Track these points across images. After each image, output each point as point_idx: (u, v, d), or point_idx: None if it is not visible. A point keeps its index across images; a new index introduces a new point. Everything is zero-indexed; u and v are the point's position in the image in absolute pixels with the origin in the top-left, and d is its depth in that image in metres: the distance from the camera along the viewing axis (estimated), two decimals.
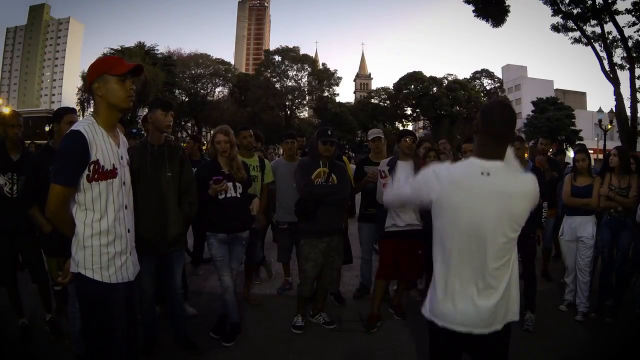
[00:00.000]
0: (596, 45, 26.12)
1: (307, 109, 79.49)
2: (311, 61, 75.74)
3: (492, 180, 2.59)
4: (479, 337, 2.58)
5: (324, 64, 76.98)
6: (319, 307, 5.77)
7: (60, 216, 2.83)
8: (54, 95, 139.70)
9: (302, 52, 75.53)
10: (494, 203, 2.58)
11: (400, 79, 74.45)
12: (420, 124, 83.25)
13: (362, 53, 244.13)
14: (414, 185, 2.72)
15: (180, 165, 4.82)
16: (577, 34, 27.25)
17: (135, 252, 3.24)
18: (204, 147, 15.22)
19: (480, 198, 2.57)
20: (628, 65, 25.11)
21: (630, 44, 24.86)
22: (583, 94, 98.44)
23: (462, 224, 2.58)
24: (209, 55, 74.63)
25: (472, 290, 2.60)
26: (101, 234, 2.87)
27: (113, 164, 2.91)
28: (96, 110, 2.99)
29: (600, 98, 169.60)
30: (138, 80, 54.25)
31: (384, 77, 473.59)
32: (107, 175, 2.87)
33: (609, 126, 30.61)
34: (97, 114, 2.97)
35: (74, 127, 2.84)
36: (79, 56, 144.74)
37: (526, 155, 6.62)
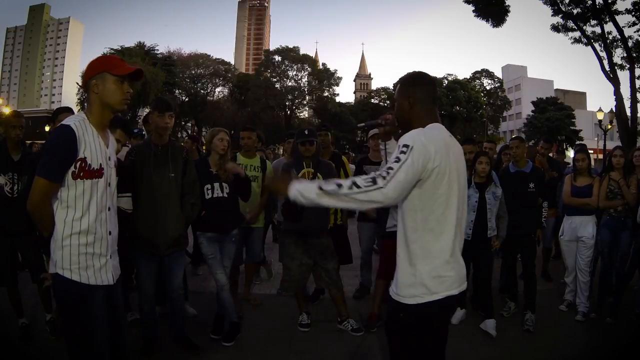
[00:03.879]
0: (596, 45, 26.11)
1: (307, 109, 79.40)
2: (311, 61, 75.65)
3: (454, 142, 2.78)
4: (454, 298, 2.71)
5: (324, 64, 76.88)
6: (344, 314, 5.71)
7: (40, 210, 2.77)
8: (54, 95, 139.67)
9: (302, 52, 75.31)
10: (462, 164, 2.80)
11: (400, 79, 74.16)
12: None
13: (362, 53, 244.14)
14: (407, 165, 2.45)
15: (183, 166, 4.80)
16: (577, 34, 27.24)
17: (117, 255, 3.13)
18: (203, 147, 15.25)
19: (459, 158, 2.76)
20: (628, 65, 25.10)
21: (630, 44, 24.83)
22: (583, 94, 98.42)
23: (457, 186, 2.65)
24: (209, 55, 74.64)
25: (459, 249, 2.76)
26: (80, 234, 2.82)
27: (100, 164, 2.87)
28: (89, 108, 2.95)
29: (600, 98, 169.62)
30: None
31: (384, 77, 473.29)
32: (93, 174, 2.82)
33: (609, 126, 30.62)
34: (89, 112, 2.93)
35: (64, 122, 2.81)
36: (79, 56, 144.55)
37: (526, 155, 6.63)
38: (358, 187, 2.37)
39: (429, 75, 2.88)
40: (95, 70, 2.91)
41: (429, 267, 2.59)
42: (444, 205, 2.59)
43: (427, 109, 2.78)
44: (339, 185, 2.40)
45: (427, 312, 2.61)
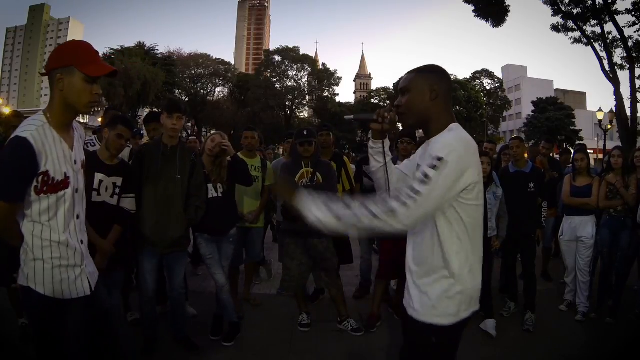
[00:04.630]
0: (596, 45, 26.11)
1: (307, 109, 79.45)
2: (311, 61, 75.75)
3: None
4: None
5: (324, 64, 77.01)
6: (344, 314, 5.72)
7: (4, 230, 2.52)
8: None
9: (302, 52, 75.51)
10: None
11: (400, 78, 73.95)
12: None
13: (362, 53, 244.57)
14: (435, 189, 2.12)
15: (191, 168, 4.79)
16: (577, 34, 27.26)
17: (92, 261, 2.90)
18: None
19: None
20: (628, 65, 25.10)
21: (630, 44, 24.85)
22: (583, 94, 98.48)
23: (481, 193, 2.35)
24: (209, 55, 74.73)
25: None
26: (52, 247, 2.56)
27: (65, 173, 2.55)
28: (50, 105, 2.60)
29: (600, 98, 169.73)
30: (138, 80, 54.28)
31: (384, 77, 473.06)
32: (57, 188, 2.52)
33: (609, 126, 30.64)
34: (50, 111, 2.58)
35: (19, 132, 2.43)
36: None
37: (526, 155, 6.63)
38: (373, 214, 2.07)
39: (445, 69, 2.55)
40: (62, 62, 2.56)
41: (471, 280, 2.33)
42: (479, 213, 2.35)
43: (448, 105, 2.46)
44: (347, 206, 2.11)
45: (458, 331, 2.43)
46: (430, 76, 2.44)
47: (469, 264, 2.30)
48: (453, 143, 2.20)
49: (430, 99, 2.40)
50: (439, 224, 2.28)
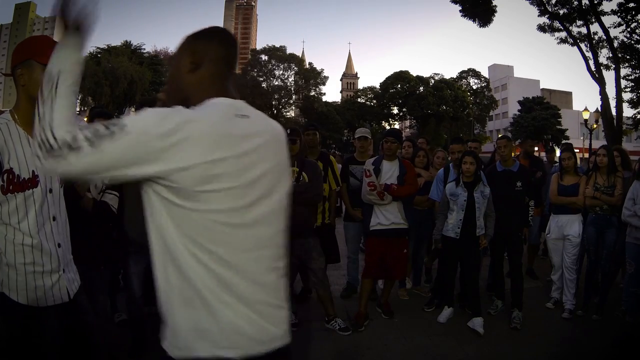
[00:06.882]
0: (582, 45, 26.26)
1: (293, 108, 79.42)
2: (298, 60, 75.82)
3: (258, 126, 1.73)
4: None
5: (310, 64, 77.28)
6: (331, 313, 5.71)
7: None
8: None
9: (288, 51, 75.56)
10: (272, 158, 1.77)
11: (386, 78, 74.14)
12: (407, 123, 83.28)
13: (349, 52, 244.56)
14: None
15: None
16: (563, 34, 27.45)
17: (73, 266, 2.75)
18: None
19: (255, 154, 1.65)
20: (614, 66, 25.28)
21: (615, 44, 25.06)
22: (569, 94, 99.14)
23: (250, 196, 1.66)
24: None
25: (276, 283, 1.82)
26: (25, 251, 2.43)
27: (32, 171, 2.45)
28: (16, 104, 2.52)
29: (585, 98, 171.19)
30: (124, 79, 54.03)
31: (371, 77, 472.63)
32: (24, 186, 2.42)
33: (595, 125, 30.87)
34: (16, 108, 2.51)
35: None
36: None
37: (513, 154, 6.67)
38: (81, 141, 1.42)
39: (229, 31, 1.88)
40: (20, 57, 2.48)
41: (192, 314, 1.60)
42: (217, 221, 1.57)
43: (218, 77, 1.76)
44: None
45: None
46: (191, 42, 1.77)
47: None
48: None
49: (190, 69, 1.74)
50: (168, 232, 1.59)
